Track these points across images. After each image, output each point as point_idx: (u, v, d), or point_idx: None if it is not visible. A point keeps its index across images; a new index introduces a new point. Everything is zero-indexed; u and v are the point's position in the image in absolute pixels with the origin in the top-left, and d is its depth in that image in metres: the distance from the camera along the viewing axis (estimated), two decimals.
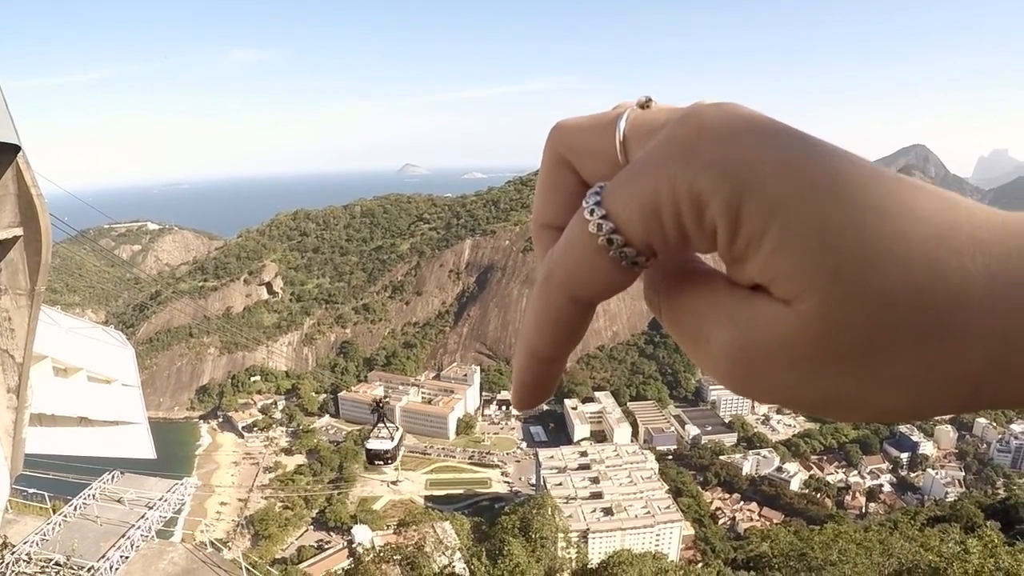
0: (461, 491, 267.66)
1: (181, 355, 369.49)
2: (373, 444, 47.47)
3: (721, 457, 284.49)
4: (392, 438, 47.56)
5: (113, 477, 37.24)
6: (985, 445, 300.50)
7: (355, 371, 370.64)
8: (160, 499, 35.84)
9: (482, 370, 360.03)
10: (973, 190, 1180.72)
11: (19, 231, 16.64)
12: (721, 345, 1.21)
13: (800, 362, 1.13)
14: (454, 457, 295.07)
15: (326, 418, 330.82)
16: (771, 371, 1.16)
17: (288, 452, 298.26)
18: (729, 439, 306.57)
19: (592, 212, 1.24)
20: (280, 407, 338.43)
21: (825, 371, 1.11)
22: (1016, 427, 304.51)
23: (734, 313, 1.21)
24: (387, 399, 54.91)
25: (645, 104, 1.36)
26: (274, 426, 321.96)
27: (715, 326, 1.23)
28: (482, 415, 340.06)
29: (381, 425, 48.08)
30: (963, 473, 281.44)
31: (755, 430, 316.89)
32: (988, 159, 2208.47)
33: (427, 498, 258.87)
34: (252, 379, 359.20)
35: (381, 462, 48.37)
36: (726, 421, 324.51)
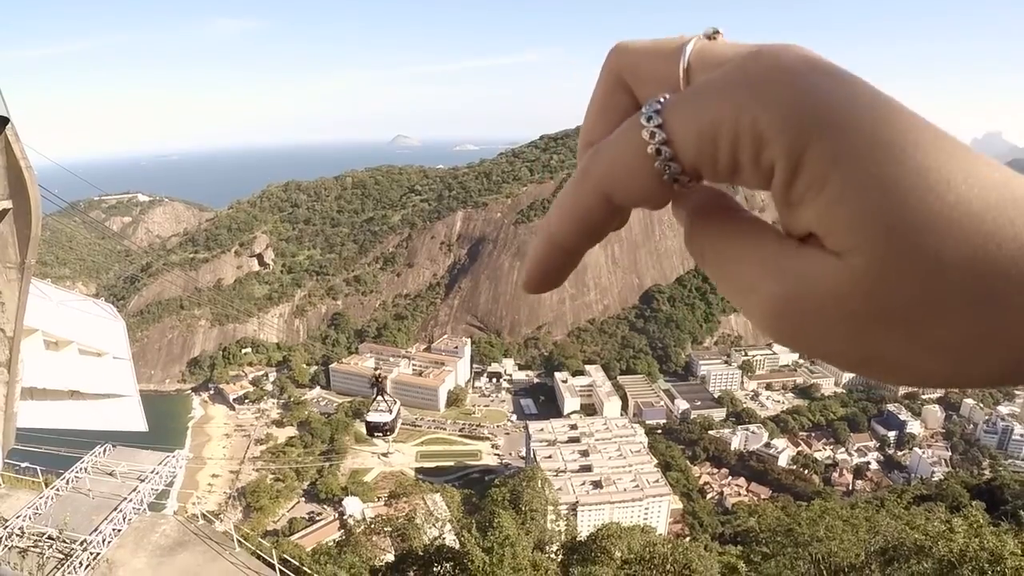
0: (451, 463, 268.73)
1: (172, 327, 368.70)
2: (373, 416, 48.86)
3: (710, 432, 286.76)
4: (391, 411, 48.86)
5: (105, 450, 37.21)
6: (972, 425, 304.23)
7: (346, 343, 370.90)
8: (152, 472, 35.84)
9: (473, 342, 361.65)
10: None
11: (8, 204, 16.59)
12: (769, 297, 1.22)
13: (847, 318, 1.14)
14: (444, 429, 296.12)
15: (317, 390, 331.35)
16: (819, 325, 1.17)
17: (279, 424, 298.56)
18: (718, 414, 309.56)
19: (649, 119, 1.24)
20: (271, 379, 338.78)
21: (873, 328, 1.12)
22: (1003, 408, 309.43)
23: (784, 264, 1.21)
24: (379, 371, 55.90)
25: (712, 36, 1.35)
26: (265, 398, 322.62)
27: (763, 277, 1.24)
28: (473, 387, 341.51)
29: (380, 398, 49.38)
30: (949, 453, 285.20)
31: (744, 405, 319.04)
32: (982, 141, 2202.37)
33: (418, 470, 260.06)
34: (243, 351, 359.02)
35: (380, 434, 49.80)
36: (715, 396, 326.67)
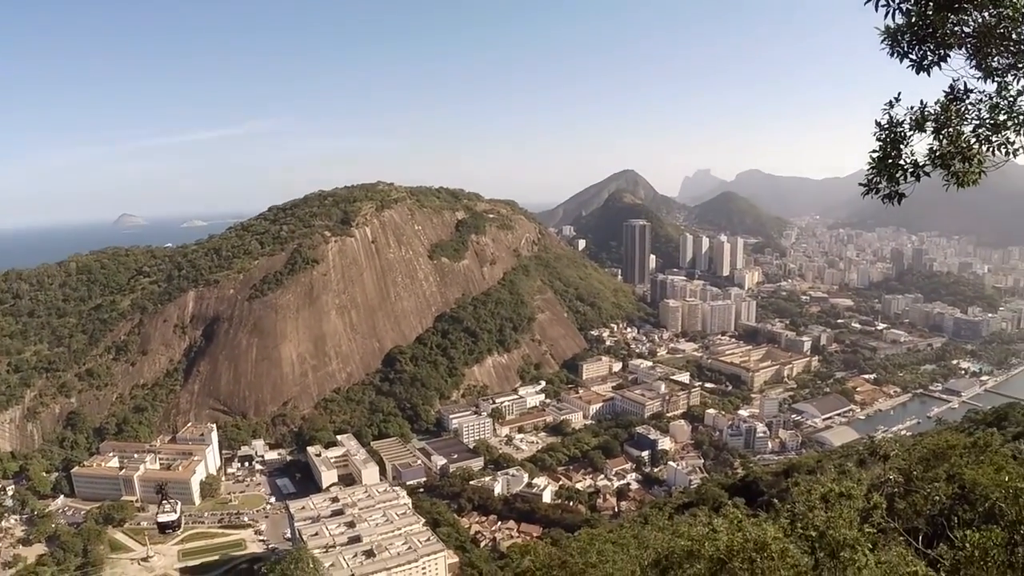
0: (216, 557, 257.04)
1: None
2: (163, 517, 52.71)
3: (471, 482, 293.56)
4: (175, 511, 51.92)
5: None
6: (718, 432, 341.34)
7: (86, 443, 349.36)
8: None
9: (219, 427, 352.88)
10: (680, 207, 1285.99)
11: None
12: None
13: None
14: (203, 523, 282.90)
15: (61, 499, 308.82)
16: None
17: (26, 542, 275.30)
18: (476, 464, 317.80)
19: None
20: (9, 493, 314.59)
21: None
22: (743, 412, 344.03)
23: None
24: (165, 482, 57.80)
25: None
26: (6, 515, 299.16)
27: None
28: (225, 474, 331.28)
29: (165, 502, 52.67)
30: (702, 460, 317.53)
31: (500, 451, 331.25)
32: (693, 179, 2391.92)
33: (182, 570, 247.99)
34: None
35: (171, 530, 52.97)
36: (471, 447, 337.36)
